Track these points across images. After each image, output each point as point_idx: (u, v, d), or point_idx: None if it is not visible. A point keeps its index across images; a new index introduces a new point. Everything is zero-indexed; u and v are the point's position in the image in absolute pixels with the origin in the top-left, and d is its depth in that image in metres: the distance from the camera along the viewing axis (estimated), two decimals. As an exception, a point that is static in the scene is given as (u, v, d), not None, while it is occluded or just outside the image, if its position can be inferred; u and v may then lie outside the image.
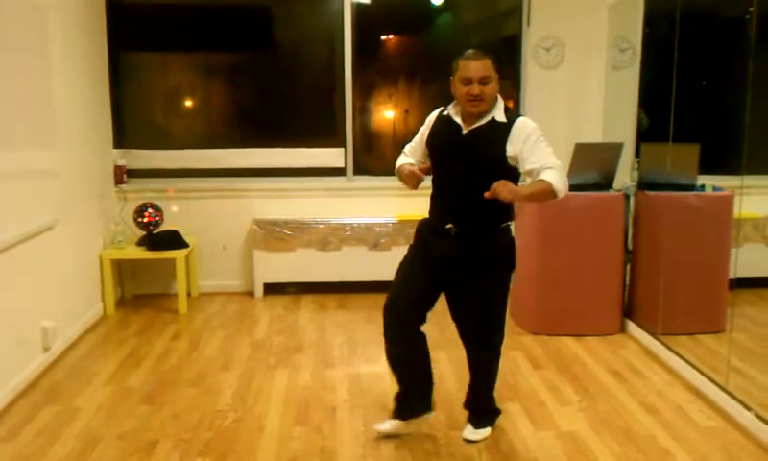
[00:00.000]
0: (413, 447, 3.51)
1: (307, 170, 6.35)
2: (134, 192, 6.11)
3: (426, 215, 3.47)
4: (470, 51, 3.23)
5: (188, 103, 6.54)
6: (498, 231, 3.33)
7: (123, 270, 6.14)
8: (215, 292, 6.30)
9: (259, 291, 6.20)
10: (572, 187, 4.97)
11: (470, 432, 3.57)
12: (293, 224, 6.06)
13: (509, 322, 5.40)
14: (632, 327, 5.14)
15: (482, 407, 3.65)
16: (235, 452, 3.45)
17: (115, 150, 6.12)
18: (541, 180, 3.10)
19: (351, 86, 6.22)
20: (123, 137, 6.21)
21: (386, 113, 6.53)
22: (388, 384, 4.22)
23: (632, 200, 5.18)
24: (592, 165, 5.10)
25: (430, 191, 3.44)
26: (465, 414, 3.68)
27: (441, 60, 6.48)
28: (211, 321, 5.57)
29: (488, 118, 3.24)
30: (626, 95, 5.60)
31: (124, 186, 6.11)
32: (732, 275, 4.49)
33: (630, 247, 5.19)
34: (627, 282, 5.22)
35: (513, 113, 3.29)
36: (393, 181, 3.31)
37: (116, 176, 6.07)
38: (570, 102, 6.18)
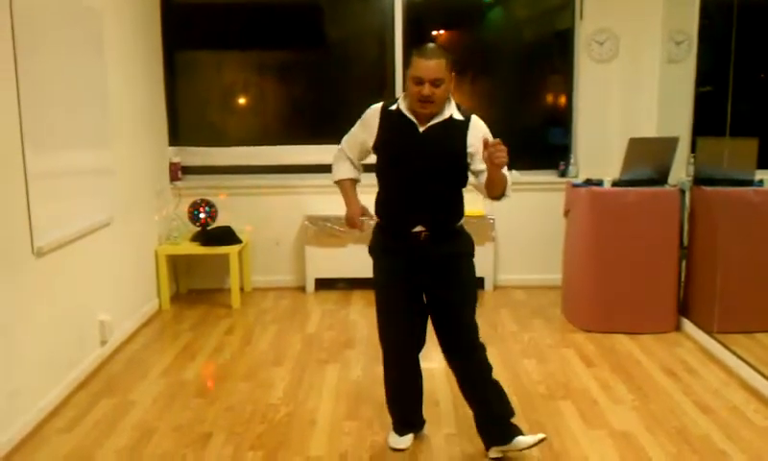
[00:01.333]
0: (464, 442, 3.50)
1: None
2: (189, 189, 6.21)
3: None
4: (427, 47, 3.05)
5: (241, 100, 6.63)
6: (461, 229, 3.26)
7: (178, 265, 6.25)
8: (267, 287, 6.37)
9: (311, 286, 6.25)
10: (626, 183, 4.97)
11: (524, 440, 3.26)
12: (343, 220, 6.06)
13: (561, 319, 5.39)
14: (687, 324, 5.05)
15: (509, 419, 3.31)
16: (287, 446, 3.49)
17: (170, 147, 6.23)
18: (504, 174, 3.01)
19: (402, 82, 6.22)
20: (178, 135, 6.32)
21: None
22: (437, 380, 4.22)
23: (687, 195, 5.08)
24: (647, 160, 5.02)
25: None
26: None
27: (492, 55, 6.46)
28: (264, 316, 5.63)
29: (445, 116, 3.11)
30: (682, 88, 5.50)
31: (179, 183, 6.22)
32: (791, 272, 4.39)
33: (685, 243, 5.10)
34: (682, 279, 5.13)
35: (466, 111, 3.18)
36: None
37: (171, 173, 6.19)
38: (624, 96, 6.09)
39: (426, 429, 3.60)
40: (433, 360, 3.78)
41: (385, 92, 6.28)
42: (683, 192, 5.06)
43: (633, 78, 6.05)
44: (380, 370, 3.70)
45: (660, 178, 5.07)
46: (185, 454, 3.42)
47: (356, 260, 6.10)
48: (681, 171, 5.26)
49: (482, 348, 3.30)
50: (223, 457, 3.39)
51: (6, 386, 3.49)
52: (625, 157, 4.95)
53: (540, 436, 3.26)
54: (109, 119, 4.85)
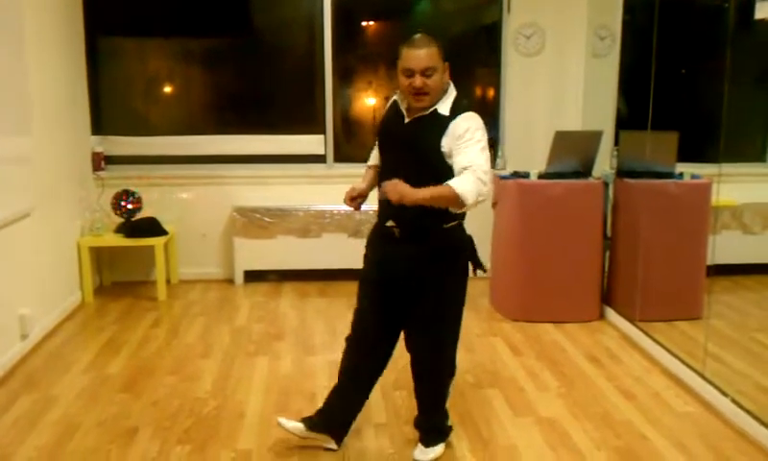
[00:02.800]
0: (394, 432, 3.52)
1: (287, 157, 6.32)
2: (113, 179, 6.05)
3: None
4: (416, 37, 2.93)
5: (167, 89, 6.49)
6: (444, 232, 3.04)
7: (101, 257, 6.10)
8: (195, 279, 6.27)
9: (239, 278, 6.19)
10: (552, 175, 5.05)
11: (421, 452, 3.27)
12: (273, 211, 6.04)
13: (489, 309, 5.46)
14: (610, 313, 5.18)
15: (433, 425, 3.35)
16: (215, 440, 3.45)
17: (93, 136, 6.06)
18: (447, 185, 2.80)
19: (332, 73, 6.20)
20: (101, 124, 6.15)
21: (367, 100, 6.52)
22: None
23: (611, 187, 5.21)
24: (572, 153, 5.12)
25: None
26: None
27: (441, 46, 6.47)
28: (191, 308, 5.54)
29: (431, 110, 2.98)
30: (605, 83, 5.63)
31: (102, 173, 6.05)
32: (709, 262, 4.53)
33: (609, 234, 5.22)
34: (606, 269, 5.26)
35: (460, 108, 2.99)
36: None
37: (94, 162, 6.01)
38: (550, 89, 6.19)
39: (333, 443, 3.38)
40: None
41: (314, 82, 6.24)
42: (606, 184, 5.18)
43: (558, 72, 6.16)
44: (310, 361, 3.72)
45: (585, 170, 5.18)
46: (110, 450, 3.35)
47: (286, 252, 6.07)
48: (605, 164, 5.39)
49: (445, 359, 3.27)
50: (149, 452, 3.33)
51: None
52: (551, 149, 5.04)
53: (423, 458, 3.26)
54: (28, 107, 4.69)
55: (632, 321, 4.87)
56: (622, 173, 5.14)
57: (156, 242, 5.69)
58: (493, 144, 6.41)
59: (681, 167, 4.98)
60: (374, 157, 3.36)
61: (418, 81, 2.90)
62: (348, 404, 3.36)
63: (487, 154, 2.92)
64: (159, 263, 5.68)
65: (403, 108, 3.08)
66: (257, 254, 6.12)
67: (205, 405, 3.82)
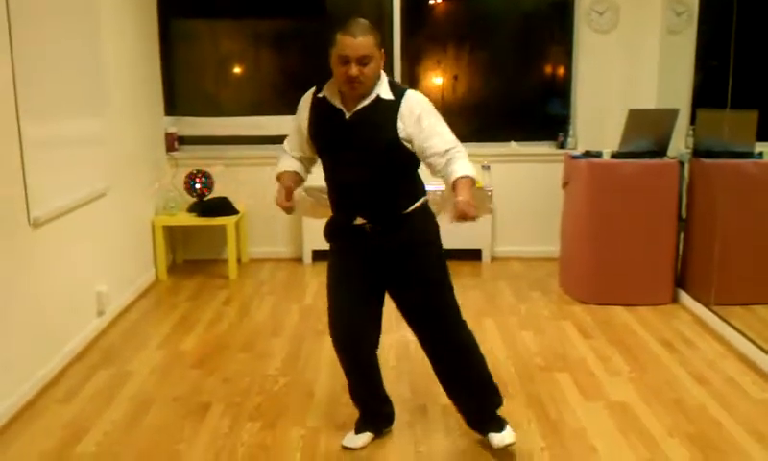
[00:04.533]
0: (459, 415, 3.51)
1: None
2: (185, 159, 6.17)
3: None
4: (352, 23, 2.77)
5: (238, 70, 6.57)
6: (414, 215, 2.96)
7: (174, 236, 6.23)
8: (265, 258, 6.36)
9: (308, 258, 6.25)
10: (625, 154, 4.95)
11: (501, 438, 3.11)
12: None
13: (558, 291, 5.39)
14: (684, 297, 5.06)
15: (492, 406, 3.18)
16: (285, 417, 3.50)
17: (166, 117, 6.18)
18: (466, 175, 2.77)
19: (400, 52, 6.17)
20: (174, 105, 6.28)
21: (435, 79, 6.47)
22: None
23: (686, 167, 5.06)
24: (646, 132, 5.00)
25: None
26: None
27: (490, 26, 6.40)
28: (261, 287, 5.63)
29: (371, 97, 2.83)
30: (682, 60, 5.46)
31: (175, 153, 6.18)
32: (789, 244, 4.39)
33: (684, 215, 5.09)
34: (680, 252, 5.13)
35: (399, 88, 2.90)
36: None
37: (167, 143, 6.15)
38: (624, 67, 6.04)
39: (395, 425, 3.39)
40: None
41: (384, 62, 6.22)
42: (681, 164, 5.04)
43: (632, 49, 6.00)
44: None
45: (660, 150, 5.05)
46: (184, 425, 3.43)
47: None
48: (680, 143, 5.24)
49: (462, 338, 3.09)
50: (221, 428, 3.40)
51: (3, 356, 3.48)
52: (624, 128, 4.93)
53: (510, 441, 3.10)
54: (105, 88, 4.80)
55: (707, 305, 4.74)
56: (698, 152, 5.00)
57: (228, 221, 5.78)
58: (564, 122, 6.32)
59: (760, 147, 4.80)
60: (291, 162, 3.19)
61: (353, 69, 2.73)
62: (374, 390, 3.31)
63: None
64: (231, 242, 5.78)
65: (337, 102, 2.88)
66: (326, 234, 6.15)
67: (275, 383, 3.88)
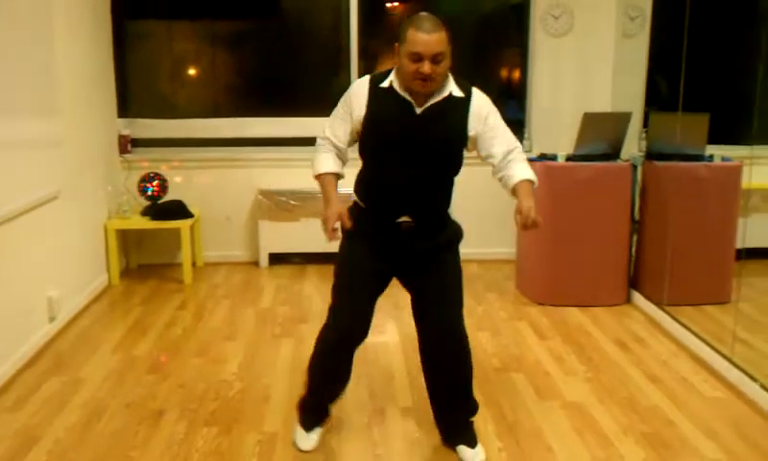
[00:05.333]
0: (420, 416, 3.51)
1: (312, 140, 6.26)
2: (139, 162, 6.08)
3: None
4: (424, 19, 2.69)
5: (193, 71, 6.50)
6: (449, 215, 3.02)
7: (128, 240, 6.14)
8: (220, 262, 6.30)
9: (264, 261, 6.20)
10: (580, 157, 5.00)
11: (474, 455, 3.10)
12: (298, 194, 6.04)
13: (515, 292, 5.44)
14: (637, 297, 5.13)
15: (470, 415, 3.21)
16: (241, 422, 3.46)
17: (119, 119, 6.08)
18: (529, 180, 2.81)
19: (357, 56, 6.16)
20: (127, 106, 6.18)
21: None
22: (392, 354, 4.23)
23: (639, 170, 5.14)
24: (600, 135, 5.06)
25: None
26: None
27: (448, 27, 6.41)
28: (216, 291, 5.57)
29: (444, 94, 2.79)
30: (635, 63, 5.55)
31: (128, 156, 6.09)
32: (738, 245, 4.47)
33: (637, 217, 5.17)
34: (633, 253, 5.21)
35: (465, 85, 2.87)
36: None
37: (120, 145, 6.05)
38: (579, 70, 6.11)
39: (342, 414, 3.43)
40: (385, 333, 3.78)
41: (340, 64, 6.22)
42: (634, 167, 5.12)
43: (587, 52, 6.07)
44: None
45: (613, 153, 5.12)
46: (138, 431, 3.37)
47: (310, 235, 6.04)
48: (633, 146, 5.32)
49: (464, 333, 3.07)
50: (176, 434, 3.35)
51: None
52: (579, 131, 4.98)
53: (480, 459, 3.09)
54: (57, 90, 4.71)
55: (659, 305, 4.82)
56: (651, 155, 5.08)
57: (182, 225, 5.71)
58: (519, 125, 6.36)
59: (711, 149, 4.90)
60: (331, 163, 2.98)
61: (427, 67, 2.66)
62: (334, 396, 3.28)
63: None
64: (185, 246, 5.71)
65: (406, 95, 2.79)
66: (282, 237, 6.13)
67: (231, 388, 3.84)
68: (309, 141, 6.23)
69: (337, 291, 3.10)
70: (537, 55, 6.19)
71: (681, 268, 4.75)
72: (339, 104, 2.99)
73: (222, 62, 6.53)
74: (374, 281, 3.03)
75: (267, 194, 6.08)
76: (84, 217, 5.27)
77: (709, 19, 4.88)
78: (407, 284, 3.08)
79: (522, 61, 6.34)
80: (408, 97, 2.79)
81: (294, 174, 6.17)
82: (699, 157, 4.90)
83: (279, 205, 6.07)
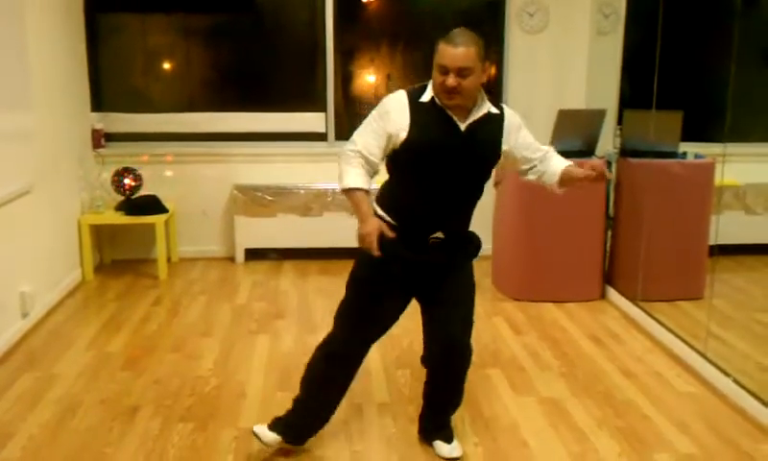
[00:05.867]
0: (396, 411, 3.51)
1: (288, 135, 6.29)
2: (113, 156, 6.02)
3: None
4: (456, 33, 2.73)
5: (167, 65, 6.45)
6: (471, 231, 3.05)
7: (102, 235, 6.08)
8: (196, 257, 6.26)
9: (240, 257, 6.17)
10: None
11: (451, 449, 3.13)
12: (274, 189, 6.02)
13: (491, 288, 5.46)
14: (612, 293, 5.17)
15: (447, 419, 3.23)
16: (217, 418, 3.45)
17: (93, 113, 6.02)
18: (570, 164, 3.01)
19: (333, 50, 6.14)
20: (100, 101, 6.11)
21: (368, 78, 6.48)
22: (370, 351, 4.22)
23: (614, 166, 5.18)
24: (575, 132, 5.09)
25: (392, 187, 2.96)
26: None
27: (423, 24, 6.43)
28: (192, 286, 5.54)
29: (483, 111, 2.83)
30: (609, 61, 5.58)
31: (102, 150, 6.02)
32: (711, 242, 4.52)
33: (611, 214, 5.21)
34: (608, 249, 5.25)
35: (497, 102, 2.93)
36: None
37: (94, 140, 5.98)
38: (554, 67, 6.14)
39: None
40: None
41: (316, 59, 6.19)
42: (609, 163, 5.15)
43: (562, 49, 6.11)
44: (312, 339, 3.67)
45: (588, 149, 5.16)
46: (112, 427, 3.35)
47: (287, 230, 6.05)
48: (608, 143, 5.35)
49: (470, 346, 3.05)
50: (151, 430, 3.33)
51: None
52: (554, 128, 5.01)
53: (458, 454, 3.12)
54: (29, 83, 4.65)
55: (633, 301, 4.86)
56: (625, 152, 5.12)
57: (157, 220, 5.67)
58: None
59: (685, 147, 4.95)
60: (363, 179, 2.82)
61: (451, 80, 2.69)
62: (322, 421, 3.17)
63: None
64: (160, 241, 5.67)
65: (449, 111, 2.79)
66: (258, 233, 6.11)
67: (207, 384, 3.82)
68: (285, 136, 6.29)
69: (354, 312, 3.05)
70: (512, 51, 6.21)
71: (655, 264, 4.79)
72: (371, 117, 2.88)
73: (196, 56, 6.48)
74: (395, 313, 3.03)
75: (243, 189, 6.05)
76: (57, 212, 5.21)
77: (683, 17, 4.92)
78: (421, 295, 3.05)
79: (498, 58, 6.35)
80: (450, 112, 2.80)
81: (270, 169, 6.15)
82: (673, 155, 4.95)
83: (255, 200, 6.04)
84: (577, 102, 5.94)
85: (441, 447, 3.15)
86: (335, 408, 3.17)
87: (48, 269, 4.99)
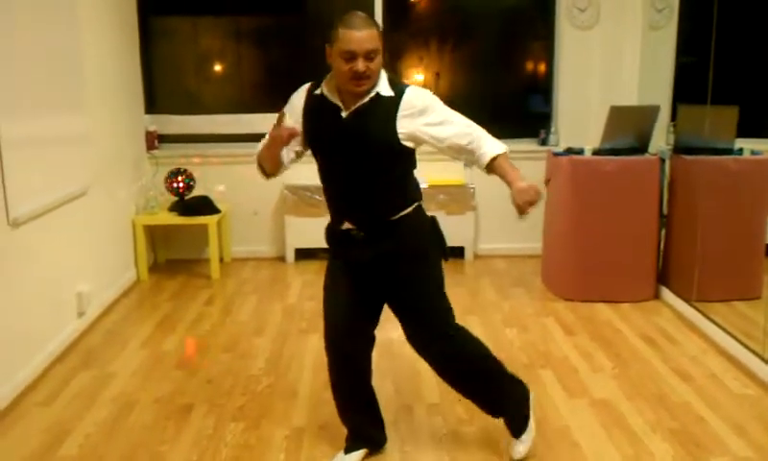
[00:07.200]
0: (446, 412, 3.51)
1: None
2: (166, 157, 6.13)
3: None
4: (354, 17, 2.63)
5: (218, 67, 6.53)
6: (407, 219, 2.82)
7: (156, 235, 6.19)
8: (247, 258, 6.33)
9: (290, 256, 6.22)
10: (607, 151, 4.96)
11: (514, 448, 3.09)
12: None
13: (541, 287, 5.40)
14: (666, 293, 5.08)
15: (507, 406, 3.11)
16: (269, 417, 3.48)
17: (146, 115, 6.13)
18: (503, 154, 2.71)
19: (382, 48, 6.13)
20: (154, 103, 6.23)
21: (417, 76, 6.47)
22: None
23: (667, 164, 5.09)
24: (627, 129, 5.01)
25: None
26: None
27: (473, 21, 6.40)
28: (244, 286, 5.60)
29: (371, 94, 2.68)
30: (663, 56, 5.48)
31: (155, 152, 6.13)
32: (769, 240, 4.42)
33: (665, 212, 5.11)
34: (662, 248, 5.16)
35: (399, 84, 2.74)
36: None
37: (148, 141, 6.10)
38: (605, 63, 6.06)
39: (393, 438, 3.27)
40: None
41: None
42: (662, 161, 5.06)
43: (613, 45, 6.02)
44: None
45: (641, 146, 5.08)
46: (167, 426, 3.40)
47: (336, 230, 6.06)
48: (661, 139, 5.26)
49: (453, 339, 2.96)
50: (204, 428, 3.38)
51: (-18, 360, 3.45)
52: (606, 125, 4.94)
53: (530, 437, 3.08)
54: (84, 86, 4.75)
55: (688, 301, 4.77)
56: (679, 149, 5.02)
57: (209, 220, 5.75)
58: (545, 119, 6.33)
59: (740, 143, 4.83)
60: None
61: (360, 65, 2.59)
62: (368, 409, 3.16)
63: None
64: (212, 241, 5.74)
65: (336, 99, 2.74)
66: (308, 233, 6.13)
67: (259, 383, 3.86)
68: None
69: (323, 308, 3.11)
70: (563, 48, 6.15)
71: (710, 263, 4.69)
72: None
73: (247, 58, 6.55)
74: (343, 295, 3.01)
75: (293, 189, 6.10)
76: (112, 213, 5.32)
77: (738, 10, 4.81)
78: (378, 298, 3.00)
79: (548, 55, 6.30)
80: (337, 102, 2.74)
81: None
82: (728, 151, 4.84)
83: (305, 199, 6.08)
84: (629, 98, 5.85)
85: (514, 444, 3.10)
86: (362, 404, 3.13)
87: (104, 269, 5.10)
